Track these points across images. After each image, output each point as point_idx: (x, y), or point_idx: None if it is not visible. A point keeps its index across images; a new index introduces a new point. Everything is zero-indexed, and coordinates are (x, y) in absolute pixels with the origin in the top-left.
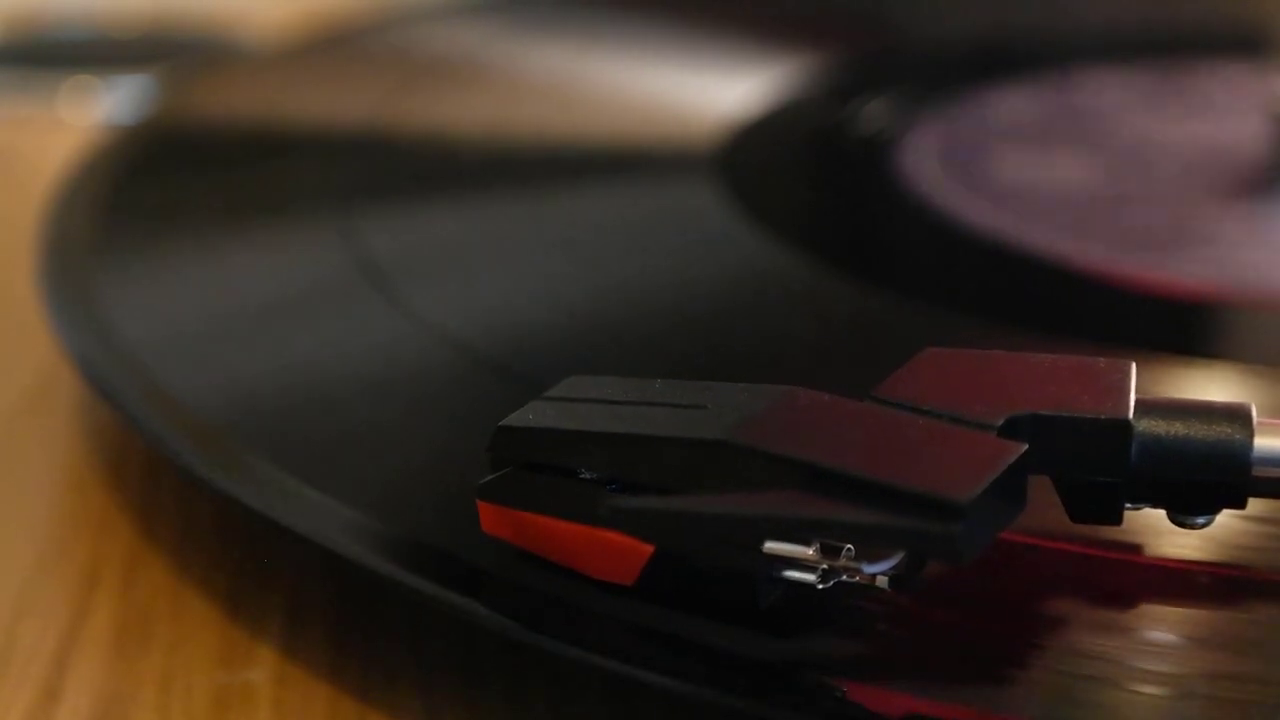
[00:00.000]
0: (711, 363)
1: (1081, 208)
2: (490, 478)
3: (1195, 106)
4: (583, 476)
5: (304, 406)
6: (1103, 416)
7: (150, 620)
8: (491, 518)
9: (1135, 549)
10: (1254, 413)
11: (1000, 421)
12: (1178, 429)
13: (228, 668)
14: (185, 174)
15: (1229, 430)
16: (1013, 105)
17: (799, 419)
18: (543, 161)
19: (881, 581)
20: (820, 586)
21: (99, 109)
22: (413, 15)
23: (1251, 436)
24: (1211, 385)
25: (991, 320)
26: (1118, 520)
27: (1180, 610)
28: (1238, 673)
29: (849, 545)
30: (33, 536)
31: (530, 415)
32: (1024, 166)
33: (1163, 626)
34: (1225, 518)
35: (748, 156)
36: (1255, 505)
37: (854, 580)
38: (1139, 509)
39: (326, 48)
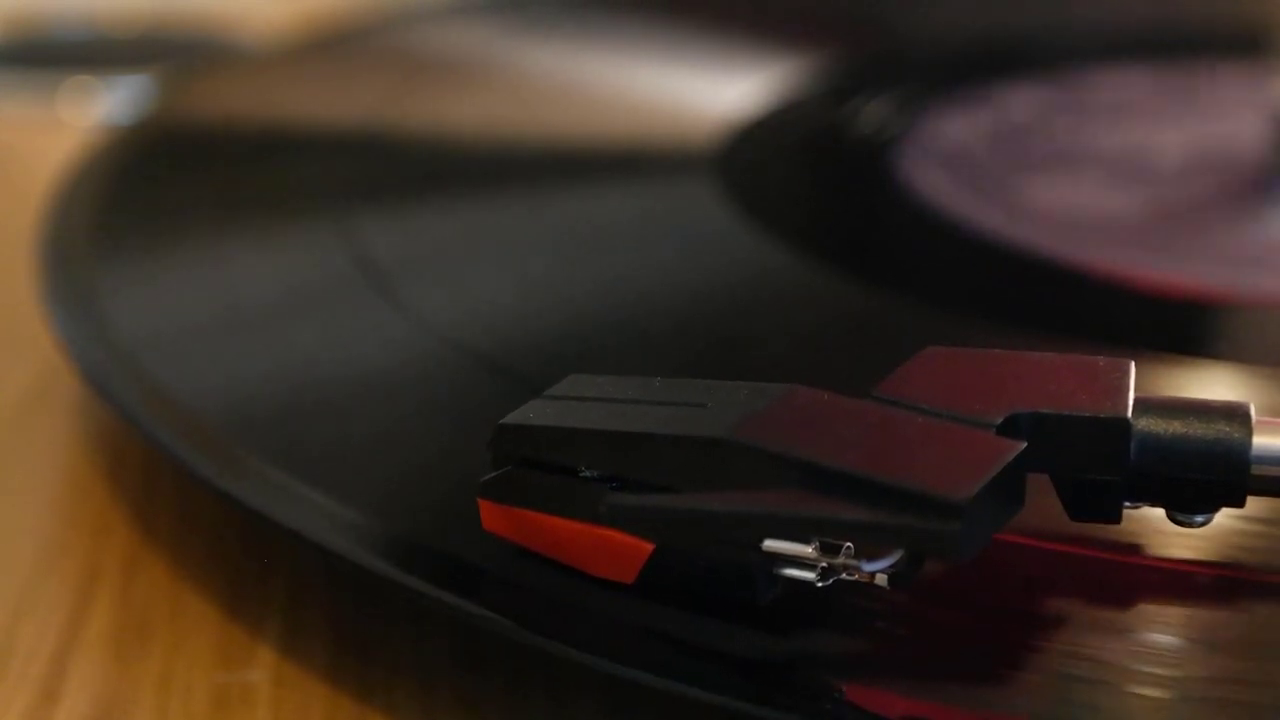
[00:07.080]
0: (711, 362)
1: (1081, 207)
2: (491, 476)
3: (1195, 106)
4: (583, 475)
5: (303, 406)
6: (1102, 415)
7: (149, 620)
8: (492, 516)
9: (1134, 549)
10: (1253, 411)
11: (999, 420)
12: (1177, 427)
13: (227, 668)
14: (184, 174)
15: (1228, 428)
16: (1013, 105)
17: (799, 417)
18: (542, 161)
19: (881, 580)
20: (819, 584)
21: (98, 109)
22: (413, 15)
23: (1250, 435)
24: (1211, 385)
25: (991, 320)
26: (1117, 519)
27: (1179, 611)
28: (1236, 674)
29: (848, 543)
30: (33, 536)
31: (531, 413)
32: (1024, 166)
33: (1161, 627)
34: (1224, 517)
35: (747, 156)
36: (1254, 504)
37: (853, 578)
38: (1138, 507)
39: (326, 48)
